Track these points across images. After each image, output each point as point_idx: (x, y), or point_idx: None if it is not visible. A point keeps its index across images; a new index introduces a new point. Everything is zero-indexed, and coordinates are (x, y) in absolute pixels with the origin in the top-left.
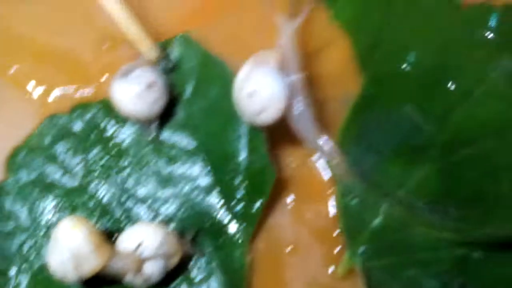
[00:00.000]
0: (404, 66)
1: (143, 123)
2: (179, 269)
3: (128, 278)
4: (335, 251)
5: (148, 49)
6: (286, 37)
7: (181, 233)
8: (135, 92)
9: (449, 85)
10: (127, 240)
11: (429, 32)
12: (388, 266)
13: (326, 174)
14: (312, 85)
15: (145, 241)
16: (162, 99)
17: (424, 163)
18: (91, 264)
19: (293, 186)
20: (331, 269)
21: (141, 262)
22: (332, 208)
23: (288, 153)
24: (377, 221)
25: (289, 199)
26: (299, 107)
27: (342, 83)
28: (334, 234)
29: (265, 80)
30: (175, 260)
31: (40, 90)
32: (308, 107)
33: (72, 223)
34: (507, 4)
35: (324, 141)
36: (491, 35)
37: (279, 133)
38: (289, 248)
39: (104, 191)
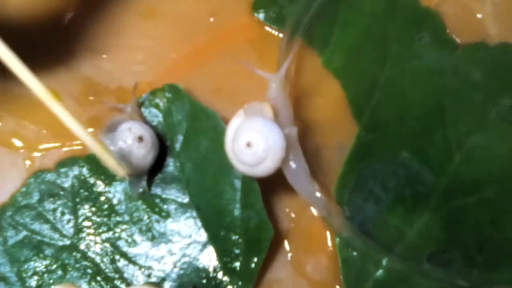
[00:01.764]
0: (400, 111)
1: (133, 178)
2: None
3: None
4: None
5: (114, 167)
6: (274, 88)
7: None
8: (124, 145)
9: (447, 130)
10: None
11: (426, 74)
12: None
13: (325, 226)
14: (305, 133)
15: None
16: (151, 153)
17: (424, 212)
18: None
19: (291, 238)
20: None
21: None
22: (332, 260)
23: (285, 203)
24: (379, 274)
25: (288, 251)
26: (295, 161)
27: (336, 130)
28: (336, 287)
29: (262, 130)
30: None
31: (25, 145)
32: (303, 161)
33: None
34: (502, 42)
35: (320, 195)
36: (490, 73)
37: (275, 183)
38: None
39: (96, 250)
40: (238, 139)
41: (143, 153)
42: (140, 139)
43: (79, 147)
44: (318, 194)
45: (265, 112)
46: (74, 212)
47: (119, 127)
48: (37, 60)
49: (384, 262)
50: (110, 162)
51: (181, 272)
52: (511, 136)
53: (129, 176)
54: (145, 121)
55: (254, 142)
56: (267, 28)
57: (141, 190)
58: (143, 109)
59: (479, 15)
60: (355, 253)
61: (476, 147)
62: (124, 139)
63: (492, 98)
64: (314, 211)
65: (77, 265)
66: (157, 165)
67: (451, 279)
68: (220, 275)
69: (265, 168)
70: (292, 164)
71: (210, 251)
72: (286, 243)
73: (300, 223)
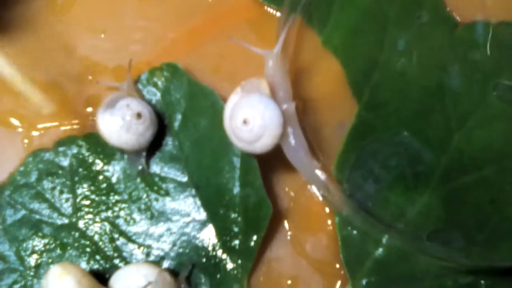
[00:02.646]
0: (400, 91)
1: (132, 155)
2: None
3: None
4: (337, 283)
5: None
6: (271, 65)
7: (176, 270)
8: (121, 123)
9: (447, 109)
10: (119, 282)
11: (425, 54)
12: None
13: (325, 204)
14: (305, 112)
15: (138, 281)
16: (150, 130)
17: (425, 191)
18: None
19: (291, 216)
20: None
21: None
22: (332, 238)
23: (284, 182)
24: (379, 252)
25: (288, 230)
26: (294, 137)
27: (336, 109)
28: (336, 266)
29: (258, 107)
30: None
31: (23, 125)
32: (302, 137)
33: (60, 270)
34: (503, 21)
35: (320, 173)
36: (488, 53)
37: (274, 161)
38: (289, 281)
39: (94, 228)
40: (235, 116)
41: (142, 130)
42: (139, 115)
43: (78, 126)
44: (317, 171)
45: (262, 88)
46: (73, 191)
47: (117, 104)
48: (35, 41)
49: (384, 240)
50: (37, 98)
51: (180, 250)
52: (509, 115)
53: (128, 152)
54: (142, 98)
55: (250, 119)
56: (267, 8)
57: (140, 167)
58: (141, 88)
59: None
60: (355, 232)
61: (475, 126)
62: (122, 115)
63: (491, 78)
64: (313, 189)
65: (76, 244)
66: (156, 144)
67: (452, 257)
68: (219, 253)
69: (262, 144)
70: (291, 140)
71: (209, 229)
72: (285, 221)
73: (300, 201)
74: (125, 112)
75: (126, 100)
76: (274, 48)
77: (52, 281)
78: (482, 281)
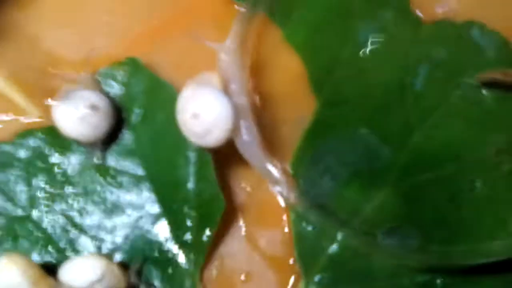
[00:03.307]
0: (361, 88)
1: (88, 148)
2: None
3: None
4: (291, 279)
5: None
6: (224, 58)
7: (127, 263)
8: (76, 115)
9: (408, 107)
10: (68, 273)
11: (388, 52)
12: None
13: (281, 199)
14: (264, 107)
15: (85, 273)
16: (106, 122)
17: (382, 188)
18: None
19: (246, 211)
20: None
21: None
22: (287, 234)
23: (241, 177)
24: (333, 248)
25: (243, 225)
26: (246, 131)
27: (295, 105)
28: (290, 262)
29: (208, 101)
30: None
31: None
32: (255, 131)
33: (6, 260)
34: (468, 21)
35: (274, 168)
36: (453, 52)
37: (231, 157)
38: (242, 276)
39: (48, 220)
40: (185, 110)
41: (97, 122)
42: (94, 107)
43: (38, 120)
44: (270, 166)
45: (213, 82)
46: (29, 182)
47: (73, 95)
48: None
49: (339, 236)
50: (21, 102)
51: (133, 244)
52: (471, 115)
53: (84, 144)
54: (100, 91)
55: (200, 112)
56: (232, 5)
57: (96, 160)
58: (101, 81)
59: None
60: (310, 228)
61: (436, 125)
62: (77, 107)
63: (454, 77)
64: (270, 185)
65: (29, 236)
66: (113, 137)
67: (406, 254)
68: (172, 247)
69: (214, 138)
70: (244, 135)
71: (163, 223)
72: (240, 217)
73: (256, 197)
74: (80, 104)
75: (82, 92)
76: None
77: None
78: (438, 280)
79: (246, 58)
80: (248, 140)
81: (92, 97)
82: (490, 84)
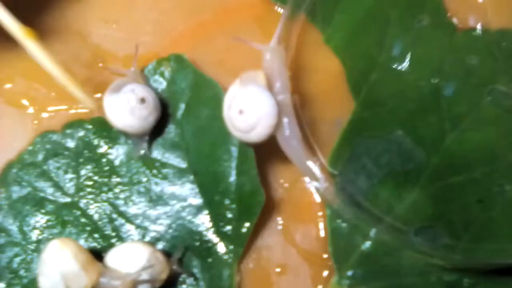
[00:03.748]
0: (397, 91)
1: (135, 139)
2: None
3: None
4: (324, 273)
5: (83, 100)
6: (268, 58)
7: (169, 252)
8: (126, 107)
9: (441, 111)
10: (115, 259)
11: (424, 57)
12: None
13: (317, 196)
14: (303, 106)
15: (132, 259)
16: (153, 115)
17: (414, 188)
18: (81, 283)
19: (283, 207)
20: None
21: (128, 280)
22: (322, 230)
23: (280, 174)
24: (366, 245)
25: (280, 219)
26: (288, 128)
27: (333, 105)
28: (324, 257)
29: (254, 98)
30: (162, 278)
31: (34, 107)
32: (296, 128)
33: (59, 244)
34: (503, 29)
35: (313, 164)
36: (486, 59)
37: (271, 153)
38: (278, 269)
39: (95, 208)
40: (232, 106)
41: (145, 114)
42: (143, 100)
43: (86, 110)
44: (310, 162)
45: (259, 80)
46: (77, 171)
47: (123, 88)
48: (49, 26)
49: (372, 234)
50: (78, 94)
51: (175, 233)
52: (502, 121)
53: (131, 136)
54: (147, 84)
55: (245, 109)
56: (273, 6)
57: (142, 152)
58: (148, 77)
59: (480, 0)
60: (344, 224)
61: (468, 129)
62: (127, 99)
63: (487, 83)
64: (307, 182)
65: (76, 222)
66: (159, 131)
67: (437, 253)
68: (212, 238)
69: (257, 134)
70: (286, 131)
71: (204, 215)
72: (278, 212)
73: (293, 193)
74: (130, 97)
75: (131, 85)
76: (271, 42)
77: (51, 254)
78: (466, 279)
79: (287, 59)
80: (290, 136)
81: (141, 90)
82: None
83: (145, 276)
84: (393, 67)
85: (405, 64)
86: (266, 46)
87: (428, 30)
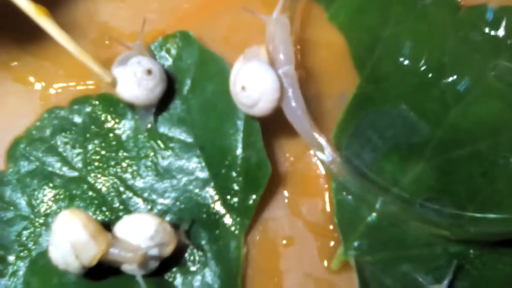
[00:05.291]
0: (401, 66)
1: (142, 111)
2: (174, 259)
3: (125, 266)
4: (330, 244)
5: (100, 73)
6: (271, 29)
7: (177, 224)
8: (133, 78)
9: (445, 85)
10: (123, 229)
11: (427, 33)
12: (382, 261)
13: (322, 169)
14: (309, 82)
15: (140, 230)
16: (159, 86)
17: (419, 161)
18: (91, 252)
19: (290, 180)
20: (325, 262)
21: (137, 249)
22: (327, 203)
23: (286, 148)
24: (372, 217)
25: (286, 192)
26: (293, 98)
27: (338, 81)
28: (330, 228)
29: (255, 73)
30: (170, 249)
31: (41, 84)
32: (301, 98)
33: (69, 214)
34: (503, 6)
35: (319, 136)
36: (489, 35)
37: (278, 128)
38: (284, 241)
39: (102, 182)
40: (235, 83)
41: (151, 86)
42: (149, 72)
43: (92, 87)
44: (314, 132)
45: (261, 55)
46: (84, 146)
47: (129, 60)
48: (57, 4)
49: (377, 205)
50: (96, 68)
51: (182, 206)
52: (505, 95)
53: (139, 108)
54: (153, 57)
55: (247, 85)
56: None
57: (149, 125)
58: (155, 53)
59: None
60: (350, 197)
61: (472, 103)
62: (134, 71)
63: (490, 59)
64: (313, 156)
65: (84, 196)
66: (165, 106)
67: (443, 222)
68: (219, 210)
69: (260, 108)
70: (291, 101)
71: (211, 187)
72: (284, 185)
73: (299, 167)
74: (136, 68)
75: (137, 58)
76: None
77: (61, 224)
78: (471, 251)
79: (292, 35)
80: (295, 106)
81: (147, 62)
82: None
83: (154, 251)
84: (397, 42)
85: (408, 41)
86: (268, 17)
87: (431, 8)
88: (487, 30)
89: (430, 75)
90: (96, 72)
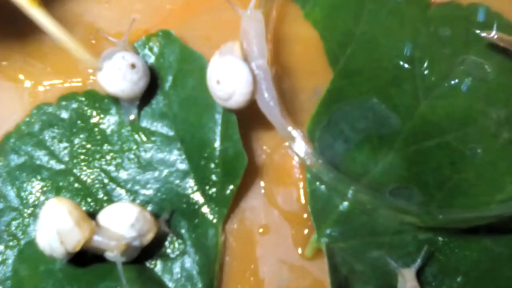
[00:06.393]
0: (373, 61)
1: (126, 104)
2: (155, 247)
3: (108, 253)
4: (304, 232)
5: (89, 60)
6: (245, 23)
7: (158, 214)
8: (118, 72)
9: (415, 80)
10: (106, 217)
11: (399, 29)
12: (353, 248)
13: (297, 160)
14: (284, 77)
15: (121, 217)
16: (143, 80)
17: (389, 152)
18: (75, 238)
19: (266, 170)
20: (300, 250)
21: (120, 238)
22: (302, 192)
23: (263, 140)
24: (344, 206)
25: (262, 183)
26: (265, 90)
27: (312, 75)
28: (304, 217)
29: (228, 67)
30: (149, 237)
31: (30, 82)
32: (273, 90)
33: (56, 201)
34: (473, 3)
35: (293, 129)
36: (457, 31)
37: (254, 121)
38: (261, 229)
39: (88, 174)
40: (211, 77)
41: (136, 79)
42: (133, 66)
43: (79, 84)
44: (287, 124)
45: (235, 50)
46: (70, 140)
47: (114, 56)
48: (44, 4)
49: (349, 194)
50: (85, 56)
51: (163, 196)
52: (473, 88)
53: (123, 101)
54: (137, 53)
55: (221, 79)
56: None
57: (132, 116)
58: (139, 51)
59: None
60: (322, 187)
61: (441, 97)
62: (118, 66)
63: (459, 54)
64: (288, 147)
65: (70, 188)
66: (148, 101)
67: (412, 210)
68: (198, 200)
69: (235, 101)
70: (264, 93)
71: (191, 178)
72: (260, 175)
73: (275, 158)
74: (121, 63)
75: (122, 53)
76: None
77: (48, 211)
78: (439, 238)
79: (268, 31)
80: (268, 98)
81: (131, 57)
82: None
83: (136, 239)
84: (370, 38)
85: (381, 37)
86: (243, 11)
87: (403, 5)
88: (456, 26)
89: (401, 69)
90: (85, 60)
